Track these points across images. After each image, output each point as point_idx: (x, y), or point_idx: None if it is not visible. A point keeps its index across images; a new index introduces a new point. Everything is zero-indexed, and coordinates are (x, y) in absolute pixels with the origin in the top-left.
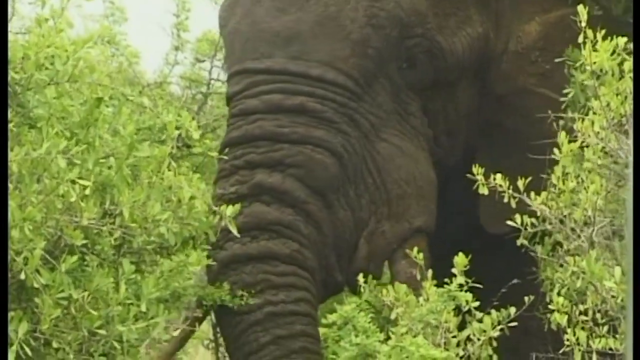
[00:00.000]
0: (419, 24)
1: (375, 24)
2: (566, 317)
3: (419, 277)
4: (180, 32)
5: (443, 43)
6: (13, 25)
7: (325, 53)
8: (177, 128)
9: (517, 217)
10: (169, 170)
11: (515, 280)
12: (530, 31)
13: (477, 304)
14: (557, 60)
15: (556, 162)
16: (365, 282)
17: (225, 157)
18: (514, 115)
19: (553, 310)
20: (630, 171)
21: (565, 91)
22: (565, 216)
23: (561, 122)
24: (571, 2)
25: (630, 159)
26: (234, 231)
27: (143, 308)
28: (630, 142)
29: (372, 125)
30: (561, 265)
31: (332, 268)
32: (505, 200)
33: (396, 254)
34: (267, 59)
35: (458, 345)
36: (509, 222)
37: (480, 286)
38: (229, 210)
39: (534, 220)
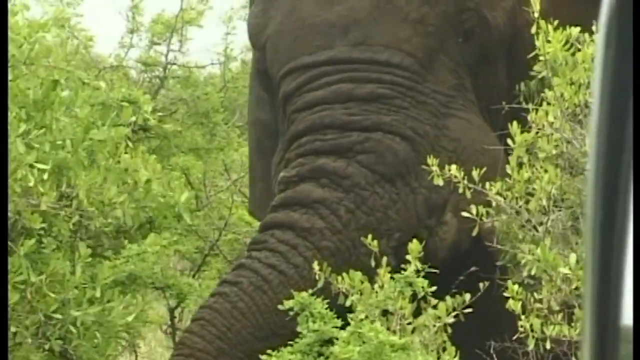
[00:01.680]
0: None
1: (430, 2)
2: (520, 303)
3: None
4: (135, 15)
5: (489, 17)
6: None
7: (388, 36)
8: (131, 103)
9: (472, 207)
10: (126, 153)
11: (472, 268)
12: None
13: (433, 289)
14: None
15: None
16: (320, 269)
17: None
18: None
19: (508, 297)
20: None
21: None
22: (520, 206)
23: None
24: None
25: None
26: (188, 219)
27: (97, 293)
28: (585, 131)
29: (439, 103)
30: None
31: (387, 253)
32: (460, 190)
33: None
34: (326, 50)
35: (413, 332)
36: (464, 213)
37: (437, 271)
38: (184, 196)
39: (489, 209)
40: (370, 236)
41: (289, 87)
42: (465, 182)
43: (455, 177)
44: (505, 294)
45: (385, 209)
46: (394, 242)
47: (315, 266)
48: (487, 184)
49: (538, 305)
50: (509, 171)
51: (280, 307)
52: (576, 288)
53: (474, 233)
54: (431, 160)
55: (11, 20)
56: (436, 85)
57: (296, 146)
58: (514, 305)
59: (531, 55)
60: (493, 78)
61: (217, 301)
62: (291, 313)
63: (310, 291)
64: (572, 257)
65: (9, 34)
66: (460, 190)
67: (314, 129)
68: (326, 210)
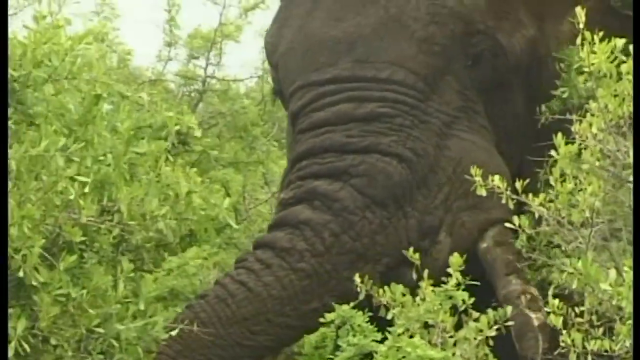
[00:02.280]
0: (480, 21)
1: (438, 21)
2: (562, 318)
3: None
4: (172, 29)
5: (504, 42)
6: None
7: (392, 53)
8: (176, 124)
9: (515, 218)
10: (166, 166)
11: (513, 281)
12: (565, 30)
13: (472, 300)
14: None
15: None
16: (362, 282)
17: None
18: None
19: (549, 312)
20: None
21: (560, 90)
22: (563, 217)
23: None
24: None
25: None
26: (233, 224)
27: (142, 306)
28: (629, 143)
29: (442, 123)
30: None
31: (373, 278)
32: (503, 201)
33: (483, 245)
34: (331, 67)
35: (455, 345)
36: (507, 224)
37: (478, 283)
38: (226, 202)
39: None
40: (411, 249)
41: (295, 106)
42: (509, 192)
43: (498, 187)
44: (546, 309)
45: (373, 234)
46: (381, 267)
47: (357, 278)
48: (530, 195)
49: (579, 319)
50: (552, 182)
51: (321, 320)
52: (617, 302)
53: (517, 244)
54: (474, 171)
55: (53, 34)
56: (440, 105)
57: (297, 169)
58: (554, 320)
59: (576, 66)
60: (510, 104)
61: (184, 312)
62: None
63: (351, 304)
64: (612, 273)
65: (52, 47)
66: (503, 201)
67: (314, 152)
68: (310, 232)
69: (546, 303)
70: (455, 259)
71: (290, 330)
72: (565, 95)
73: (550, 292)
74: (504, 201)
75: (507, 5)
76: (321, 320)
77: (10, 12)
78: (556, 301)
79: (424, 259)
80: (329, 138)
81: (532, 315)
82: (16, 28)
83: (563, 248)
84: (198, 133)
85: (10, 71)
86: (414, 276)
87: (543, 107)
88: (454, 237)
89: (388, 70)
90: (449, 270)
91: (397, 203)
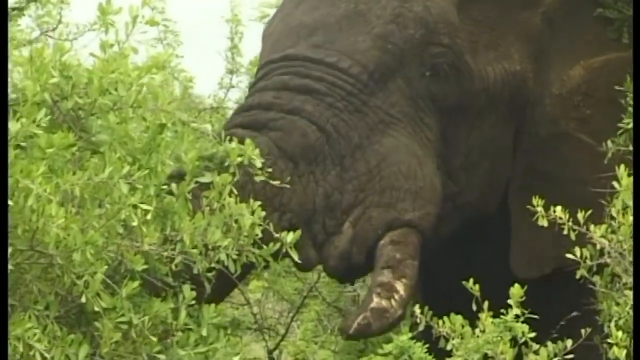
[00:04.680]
0: (446, 34)
1: (399, 22)
2: (625, 350)
3: (407, 270)
4: (235, 56)
5: (472, 64)
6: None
7: (346, 43)
8: (239, 156)
9: (577, 249)
10: (230, 197)
11: (574, 313)
12: (575, 75)
13: (533, 334)
14: (617, 88)
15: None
16: (422, 312)
17: None
18: (554, 159)
19: (611, 344)
20: None
21: (624, 122)
22: (624, 249)
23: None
24: (617, 47)
25: None
26: (295, 257)
27: (204, 332)
28: None
29: (379, 120)
30: (620, 298)
31: (277, 231)
32: (565, 232)
33: (381, 243)
34: (289, 48)
35: None
36: (569, 255)
37: (537, 317)
38: (290, 236)
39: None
40: (471, 280)
41: (253, 80)
42: (570, 224)
43: (560, 218)
44: (609, 340)
45: (281, 182)
46: (284, 222)
47: (417, 310)
48: (592, 227)
49: None
50: (614, 214)
51: (380, 350)
52: None
53: (578, 275)
54: (536, 201)
55: (120, 63)
56: (383, 103)
57: (225, 124)
58: (618, 353)
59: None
60: (476, 132)
61: None
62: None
63: (409, 335)
64: None
65: (119, 76)
66: (565, 232)
67: (243, 109)
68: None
69: (608, 335)
70: (516, 290)
71: None
72: (629, 127)
73: (612, 325)
74: (565, 232)
75: (495, 35)
76: (379, 350)
77: (70, 37)
78: (619, 333)
79: (326, 245)
80: (259, 97)
81: (375, 298)
82: (80, 54)
83: (624, 280)
84: (259, 164)
85: (75, 98)
86: (311, 258)
87: (609, 143)
88: (358, 230)
89: (336, 57)
90: (510, 301)
91: (308, 164)
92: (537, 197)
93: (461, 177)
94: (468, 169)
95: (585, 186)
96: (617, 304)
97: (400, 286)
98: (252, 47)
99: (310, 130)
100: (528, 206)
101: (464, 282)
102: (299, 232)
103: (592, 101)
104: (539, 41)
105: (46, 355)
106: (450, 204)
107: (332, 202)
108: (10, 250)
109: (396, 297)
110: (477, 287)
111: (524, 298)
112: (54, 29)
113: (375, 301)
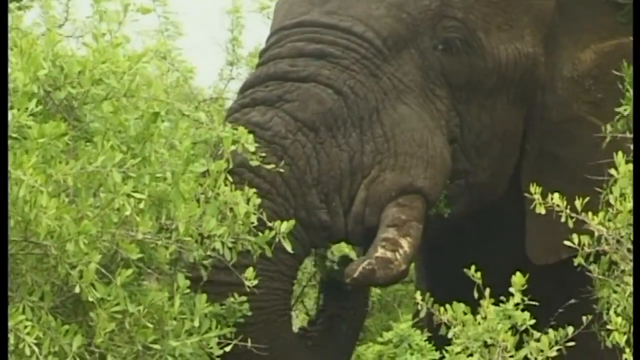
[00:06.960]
0: (461, 9)
1: None
2: (625, 336)
3: (411, 231)
4: (235, 48)
5: (484, 41)
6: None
7: (360, 10)
8: (233, 143)
9: (574, 236)
10: (225, 185)
11: (572, 300)
12: (586, 59)
13: (533, 321)
14: (616, 73)
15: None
16: (423, 299)
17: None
18: (566, 143)
19: (611, 330)
20: None
21: (622, 107)
22: (622, 237)
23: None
24: (627, 31)
25: None
26: (288, 248)
27: (196, 323)
28: None
29: (393, 87)
30: (618, 285)
31: (314, 207)
32: (563, 220)
33: (389, 203)
34: (302, 15)
35: None
36: (566, 242)
37: (536, 304)
38: (284, 226)
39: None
40: (473, 267)
41: (265, 46)
42: (568, 211)
43: (558, 206)
44: (609, 326)
45: (307, 157)
46: (321, 195)
47: (418, 296)
48: (590, 214)
49: None
50: (612, 201)
51: (379, 339)
52: None
53: (576, 262)
54: (534, 189)
55: (113, 52)
56: (397, 71)
57: (241, 97)
58: (618, 338)
59: None
60: (486, 112)
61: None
62: None
63: (410, 322)
64: None
65: (110, 66)
66: (563, 220)
67: (259, 80)
68: (249, 174)
69: (607, 322)
70: (518, 279)
71: None
72: (627, 113)
73: (611, 312)
74: (563, 220)
75: (509, 17)
76: (378, 338)
77: (76, 33)
78: (619, 319)
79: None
80: (274, 66)
81: (380, 249)
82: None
83: (622, 267)
84: (252, 148)
85: (68, 88)
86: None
87: (609, 127)
88: (371, 192)
89: (350, 22)
90: (511, 289)
91: (329, 129)
92: (534, 185)
93: (474, 156)
94: (480, 148)
95: (597, 169)
96: (615, 292)
97: (405, 243)
98: (252, 39)
99: (327, 95)
100: (525, 194)
101: (465, 270)
102: (292, 221)
103: (603, 85)
104: (552, 26)
105: (35, 348)
106: (463, 181)
107: (354, 166)
108: None
109: (401, 251)
110: (478, 274)
111: (525, 286)
112: (60, 26)
113: (380, 252)
